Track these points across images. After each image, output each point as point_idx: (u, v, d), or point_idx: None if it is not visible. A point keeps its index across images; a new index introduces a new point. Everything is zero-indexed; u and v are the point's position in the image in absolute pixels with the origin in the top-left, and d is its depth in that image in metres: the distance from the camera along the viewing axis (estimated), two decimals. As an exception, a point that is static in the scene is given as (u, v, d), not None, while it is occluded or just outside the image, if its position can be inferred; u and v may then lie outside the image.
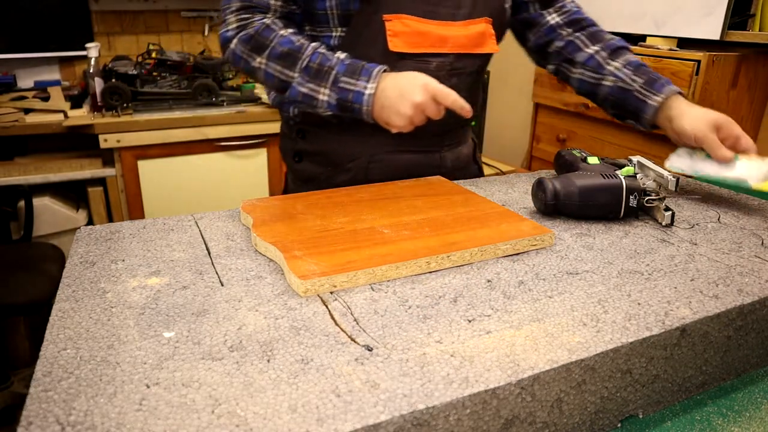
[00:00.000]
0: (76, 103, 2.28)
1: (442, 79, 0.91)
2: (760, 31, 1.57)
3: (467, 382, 0.46)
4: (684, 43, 1.72)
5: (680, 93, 0.95)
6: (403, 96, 0.82)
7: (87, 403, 0.44)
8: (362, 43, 0.93)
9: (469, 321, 0.56)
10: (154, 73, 2.32)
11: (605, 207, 0.81)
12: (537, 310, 0.58)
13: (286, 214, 0.77)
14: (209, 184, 2.39)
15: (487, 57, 1.02)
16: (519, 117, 2.60)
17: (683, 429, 0.56)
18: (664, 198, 0.82)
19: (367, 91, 0.84)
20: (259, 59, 0.91)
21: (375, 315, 0.56)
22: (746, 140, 0.89)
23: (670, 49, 1.63)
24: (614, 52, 1.02)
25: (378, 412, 0.43)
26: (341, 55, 0.89)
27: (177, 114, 2.27)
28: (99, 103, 2.22)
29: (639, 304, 0.60)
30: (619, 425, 0.56)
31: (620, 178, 0.80)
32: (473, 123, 1.11)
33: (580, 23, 1.07)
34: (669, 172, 0.80)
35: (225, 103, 2.40)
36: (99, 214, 2.27)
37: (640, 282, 0.64)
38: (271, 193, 2.52)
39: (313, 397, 0.44)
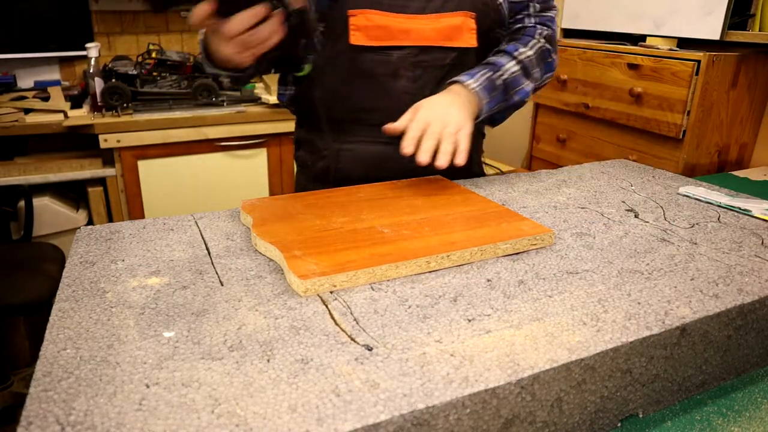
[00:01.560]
0: (76, 103, 2.28)
1: (404, 71, 0.98)
2: (760, 31, 1.56)
3: (467, 382, 0.46)
4: (684, 43, 1.72)
5: (460, 83, 0.97)
6: None
7: (87, 403, 0.43)
8: (333, 39, 0.99)
9: (469, 320, 0.56)
10: (154, 73, 2.32)
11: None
12: (537, 310, 0.58)
13: (286, 214, 0.77)
14: (209, 184, 2.39)
15: (463, 51, 1.02)
16: (519, 117, 2.60)
17: (683, 429, 0.56)
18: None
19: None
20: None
21: (375, 314, 0.56)
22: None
23: (670, 49, 1.63)
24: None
25: (378, 411, 0.43)
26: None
27: (177, 114, 2.27)
28: (99, 103, 2.22)
29: (639, 303, 0.59)
30: (619, 425, 0.56)
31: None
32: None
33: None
34: None
35: (225, 103, 2.40)
36: (99, 214, 2.27)
37: (640, 281, 0.64)
38: (271, 193, 2.52)
39: (312, 396, 0.44)
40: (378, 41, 0.97)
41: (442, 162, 0.83)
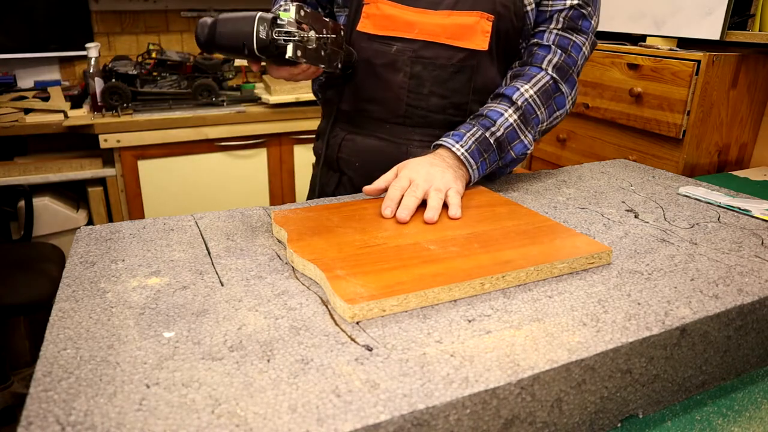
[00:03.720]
0: (76, 103, 2.28)
1: (402, 65, 0.98)
2: (760, 31, 1.56)
3: (467, 382, 0.46)
4: (684, 43, 1.72)
5: (447, 146, 0.89)
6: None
7: (87, 403, 0.43)
8: (349, 24, 1.02)
9: (469, 321, 0.56)
10: (154, 73, 2.31)
11: (237, 36, 0.75)
12: (537, 310, 0.58)
13: (322, 227, 0.73)
14: (209, 184, 2.39)
15: (472, 53, 0.96)
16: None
17: (683, 429, 0.56)
18: (296, 35, 0.77)
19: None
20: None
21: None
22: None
23: (670, 49, 1.63)
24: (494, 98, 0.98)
25: (378, 412, 0.43)
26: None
27: (177, 114, 2.27)
28: (99, 103, 2.22)
29: (639, 303, 0.59)
30: (619, 425, 0.56)
31: (260, 12, 0.77)
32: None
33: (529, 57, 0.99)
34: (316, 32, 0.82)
35: (225, 103, 2.40)
36: (99, 214, 2.27)
37: (640, 282, 0.64)
38: (271, 194, 2.52)
39: (313, 397, 0.44)
40: (380, 30, 0.98)
41: (429, 216, 0.76)
